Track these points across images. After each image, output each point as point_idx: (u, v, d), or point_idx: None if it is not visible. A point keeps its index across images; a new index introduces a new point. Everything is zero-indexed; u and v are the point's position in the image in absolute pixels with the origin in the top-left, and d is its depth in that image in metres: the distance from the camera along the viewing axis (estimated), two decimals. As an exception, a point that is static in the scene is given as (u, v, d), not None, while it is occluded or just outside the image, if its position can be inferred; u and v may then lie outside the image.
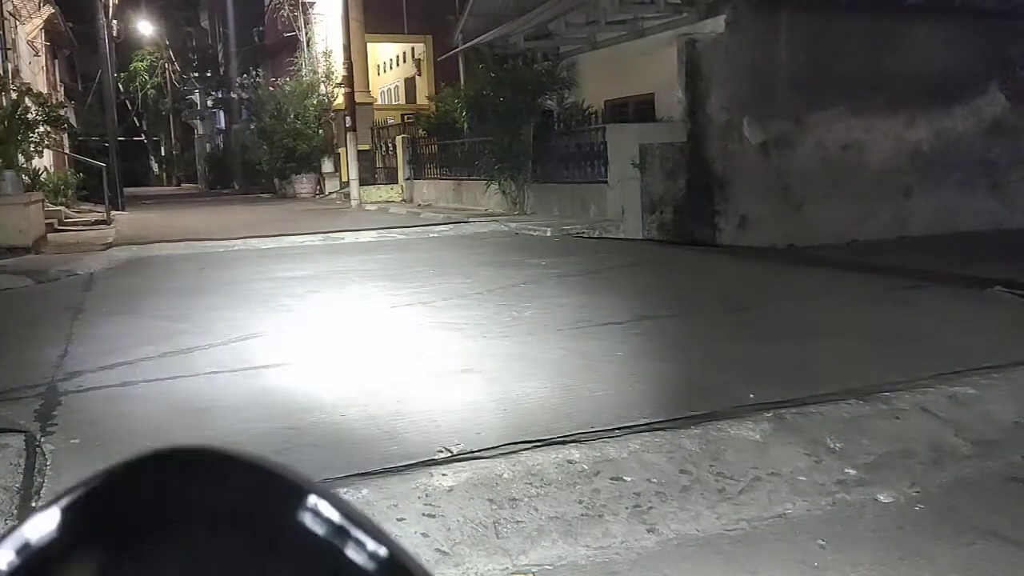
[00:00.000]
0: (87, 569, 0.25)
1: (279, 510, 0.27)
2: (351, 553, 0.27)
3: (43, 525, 0.26)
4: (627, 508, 1.97)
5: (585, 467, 2.11)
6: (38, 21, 15.10)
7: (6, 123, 8.72)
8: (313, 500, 0.27)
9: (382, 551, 0.27)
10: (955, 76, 9.33)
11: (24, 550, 0.25)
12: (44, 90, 12.64)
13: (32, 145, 9.37)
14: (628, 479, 2.07)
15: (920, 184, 9.29)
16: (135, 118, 37.31)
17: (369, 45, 18.31)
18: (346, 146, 14.24)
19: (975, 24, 9.35)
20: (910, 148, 9.28)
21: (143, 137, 39.90)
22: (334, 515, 0.27)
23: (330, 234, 8.14)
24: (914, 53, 9.13)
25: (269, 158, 18.62)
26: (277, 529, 0.27)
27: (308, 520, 0.27)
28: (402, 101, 21.12)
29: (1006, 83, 9.62)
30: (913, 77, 9.10)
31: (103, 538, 0.26)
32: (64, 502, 0.26)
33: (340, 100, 16.27)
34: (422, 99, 17.54)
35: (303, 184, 18.26)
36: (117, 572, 0.25)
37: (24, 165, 9.58)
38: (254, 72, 22.03)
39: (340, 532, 0.27)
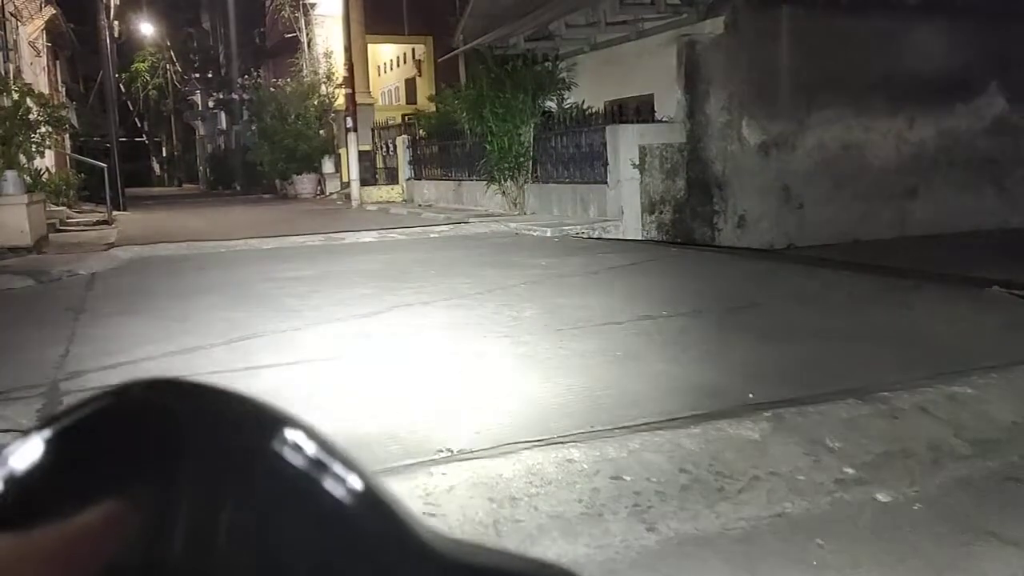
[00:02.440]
0: (64, 500, 0.26)
1: (254, 441, 0.27)
2: (327, 484, 0.27)
3: (22, 455, 0.26)
4: (627, 507, 1.98)
5: (585, 466, 2.11)
6: (39, 22, 15.12)
7: (8, 124, 8.73)
8: (289, 431, 0.27)
9: (357, 482, 0.27)
10: (956, 76, 9.33)
11: (5, 479, 0.26)
12: (46, 91, 12.66)
13: (34, 146, 9.39)
14: (628, 478, 2.08)
15: (921, 184, 9.30)
16: (136, 119, 37.37)
17: (370, 46, 18.34)
18: (347, 147, 14.25)
19: (976, 23, 9.35)
20: (911, 148, 9.28)
21: (144, 138, 39.95)
22: (310, 446, 0.27)
23: (331, 235, 8.15)
24: (915, 53, 9.14)
25: (270, 159, 18.64)
26: (252, 460, 0.27)
27: (284, 451, 0.27)
28: (403, 102, 21.15)
29: (1008, 82, 9.62)
30: (914, 77, 9.11)
31: (77, 470, 0.26)
32: (43, 434, 0.27)
33: (341, 101, 16.30)
34: (423, 100, 17.55)
35: (304, 185, 18.28)
36: (98, 494, 0.26)
37: (26, 166, 9.60)
38: (255, 73, 22.06)
39: (316, 464, 0.27)
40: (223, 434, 0.27)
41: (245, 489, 0.27)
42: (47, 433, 0.27)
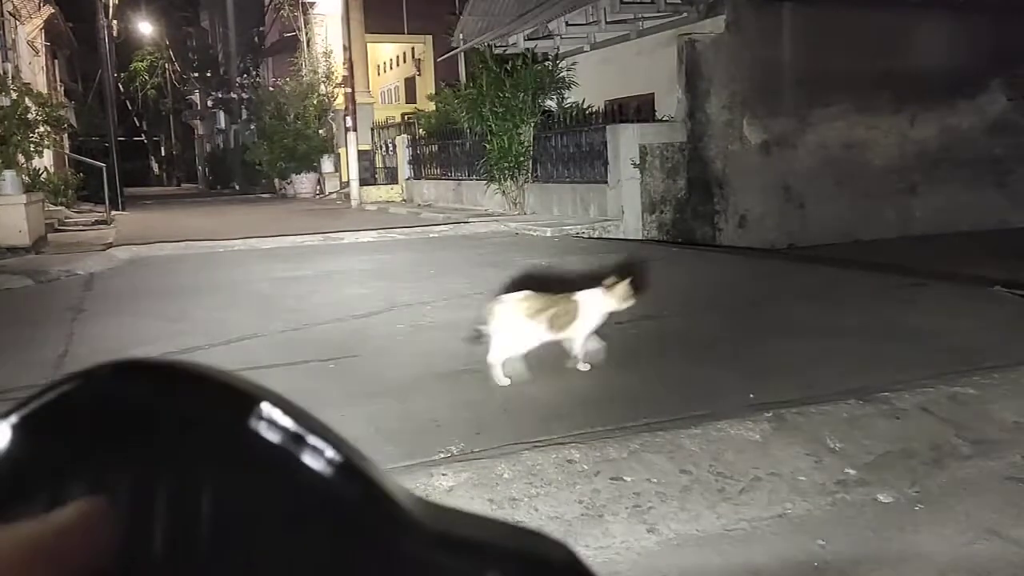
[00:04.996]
0: (43, 480, 0.25)
1: (233, 417, 0.27)
2: (306, 457, 0.27)
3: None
4: (627, 508, 1.97)
5: (585, 467, 2.11)
6: (38, 21, 15.10)
7: (6, 123, 8.72)
8: (267, 407, 0.27)
9: (337, 455, 0.27)
10: (959, 74, 9.32)
11: None
12: (44, 90, 12.64)
13: (32, 145, 9.37)
14: (628, 479, 2.07)
15: (923, 183, 9.29)
16: (135, 118, 37.35)
17: (369, 45, 18.32)
18: (346, 146, 14.24)
19: (978, 21, 9.34)
20: (913, 146, 9.28)
21: (143, 137, 39.93)
22: (288, 422, 0.27)
23: (330, 234, 8.14)
24: (917, 50, 9.13)
25: (269, 158, 18.63)
26: (228, 437, 0.26)
27: (262, 427, 0.27)
28: (402, 101, 21.14)
29: (1010, 81, 9.61)
30: (915, 75, 9.10)
31: (59, 449, 0.26)
32: (20, 412, 0.26)
33: (340, 100, 16.29)
34: (422, 99, 17.54)
35: (303, 184, 18.27)
36: (71, 482, 0.25)
37: (24, 165, 9.59)
38: (254, 72, 22.05)
39: (294, 437, 0.27)
40: (196, 412, 0.27)
41: (222, 467, 0.26)
42: (12, 420, 0.26)
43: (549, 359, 3.21)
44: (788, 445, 2.27)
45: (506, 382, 2.82)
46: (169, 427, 0.26)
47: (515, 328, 2.81)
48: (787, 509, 2.02)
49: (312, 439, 0.27)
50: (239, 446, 0.26)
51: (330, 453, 0.27)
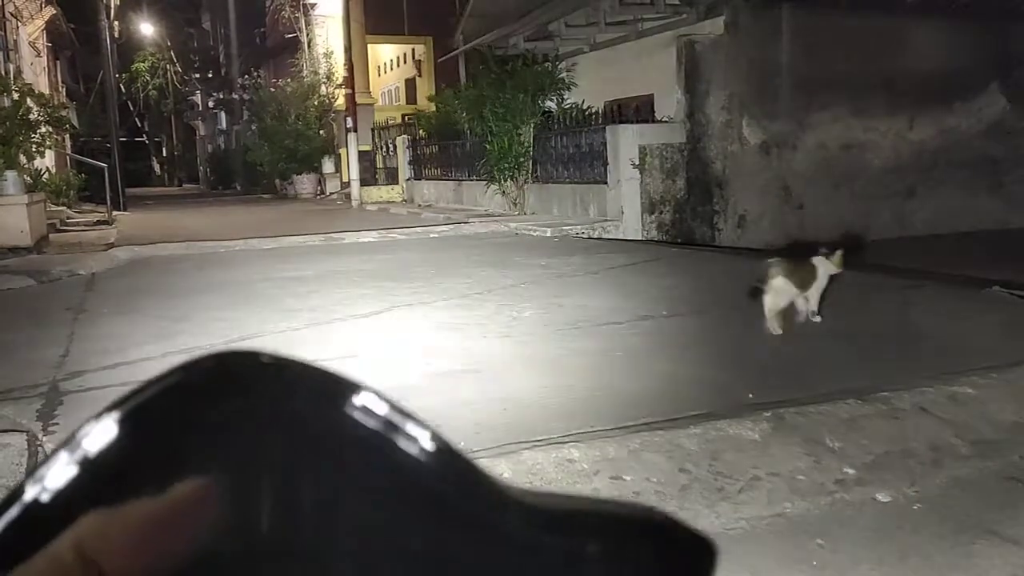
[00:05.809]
0: (147, 478, 0.26)
1: (333, 405, 0.28)
2: (403, 444, 0.27)
3: (99, 436, 0.26)
4: (626, 507, 1.98)
5: (585, 466, 2.11)
6: (40, 22, 15.12)
7: (8, 124, 8.74)
8: (364, 396, 0.28)
9: (432, 442, 0.28)
10: (956, 76, 9.34)
11: (87, 460, 0.26)
12: (46, 91, 12.65)
13: (34, 146, 9.38)
14: (627, 478, 2.08)
15: (921, 184, 9.30)
16: (137, 119, 37.35)
17: (370, 46, 18.34)
18: (347, 147, 14.25)
19: (976, 24, 9.35)
20: (911, 148, 9.29)
21: (145, 138, 39.94)
22: (385, 409, 0.28)
23: (331, 235, 8.15)
24: (915, 53, 9.14)
25: (270, 159, 18.64)
26: (330, 427, 0.27)
27: (359, 415, 0.27)
28: (403, 102, 21.14)
29: (1007, 83, 9.62)
30: (914, 77, 9.11)
31: (164, 439, 0.27)
32: (118, 414, 0.27)
33: (341, 101, 16.30)
34: (423, 100, 17.53)
35: (304, 185, 18.28)
36: (178, 469, 0.26)
37: (26, 166, 9.60)
38: (255, 73, 22.06)
39: (391, 426, 0.28)
40: (298, 403, 0.28)
41: (326, 457, 0.27)
42: (122, 412, 0.27)
43: (549, 359, 3.22)
44: (787, 445, 2.28)
45: (779, 331, 3.38)
46: (271, 415, 0.27)
47: (782, 286, 3.40)
48: (786, 509, 2.03)
49: (408, 426, 0.28)
50: (340, 433, 0.27)
51: (425, 439, 0.28)
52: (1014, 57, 9.45)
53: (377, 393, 0.28)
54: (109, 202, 11.99)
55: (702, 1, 8.82)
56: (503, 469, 2.08)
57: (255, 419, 0.27)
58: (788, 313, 3.48)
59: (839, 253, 3.48)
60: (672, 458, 2.17)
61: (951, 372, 2.79)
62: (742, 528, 1.94)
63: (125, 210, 13.52)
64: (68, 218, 11.20)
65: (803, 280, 3.47)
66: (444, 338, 3.65)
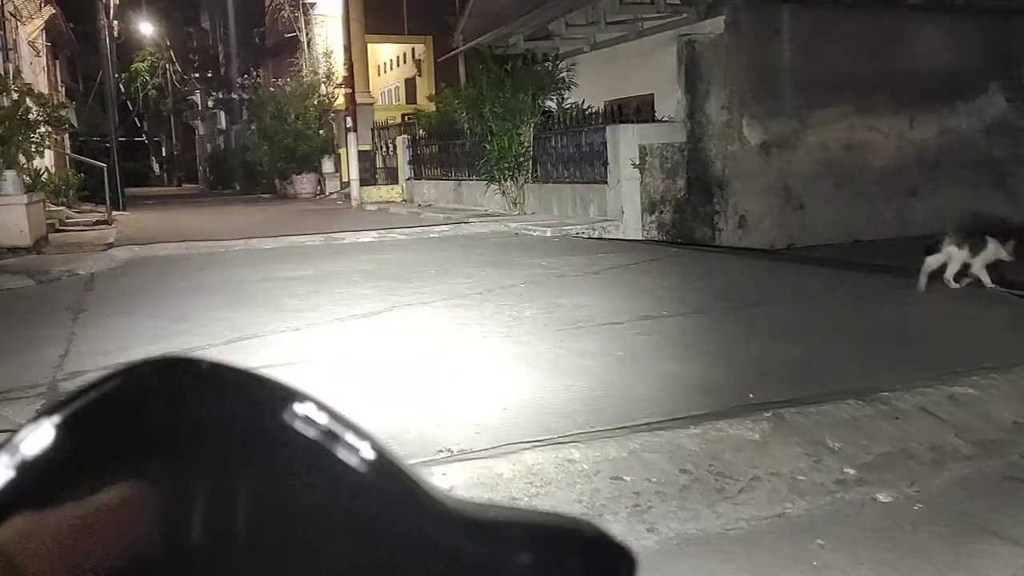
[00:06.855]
0: (79, 482, 0.26)
1: (271, 414, 0.27)
2: (342, 454, 0.27)
3: (39, 437, 0.26)
4: (627, 507, 1.98)
5: (585, 466, 2.11)
6: (39, 21, 15.11)
7: (7, 124, 8.73)
8: (304, 406, 0.28)
9: (370, 450, 0.28)
10: (958, 75, 9.33)
11: (19, 463, 0.26)
12: (45, 91, 12.65)
13: (33, 146, 9.37)
14: (628, 478, 2.07)
15: (922, 184, 9.30)
16: (136, 119, 37.34)
17: (369, 46, 18.33)
18: (347, 146, 14.24)
19: (977, 23, 9.35)
20: (912, 148, 9.28)
21: (144, 138, 39.93)
22: (321, 417, 0.28)
23: (330, 235, 8.15)
24: (916, 52, 9.13)
25: (270, 158, 18.63)
26: (265, 434, 0.27)
27: (296, 424, 0.27)
28: (402, 101, 21.13)
29: (1008, 82, 9.61)
30: (915, 76, 9.10)
31: (100, 443, 0.27)
32: (53, 418, 0.27)
33: (341, 100, 16.28)
34: (422, 99, 17.53)
35: (304, 184, 18.27)
36: (112, 473, 0.26)
37: (25, 165, 9.59)
38: (255, 72, 22.06)
39: (329, 434, 0.27)
40: (235, 410, 0.27)
41: (261, 463, 0.27)
42: (57, 417, 0.27)
43: (549, 359, 3.22)
44: (787, 445, 2.27)
45: (924, 289, 4.28)
46: (208, 422, 0.27)
47: (954, 251, 4.25)
48: (786, 509, 2.02)
49: (347, 436, 0.28)
50: (277, 442, 0.27)
51: (364, 449, 0.28)
52: (1016, 56, 9.44)
53: (318, 403, 0.28)
54: (108, 202, 11.99)
55: (702, 0, 8.82)
56: (503, 469, 2.08)
57: (190, 427, 0.27)
58: (937, 275, 4.29)
59: (1012, 243, 4.16)
60: (672, 458, 2.16)
61: (952, 372, 2.79)
62: (742, 528, 1.94)
63: (124, 210, 13.51)
64: (67, 218, 11.19)
65: (974, 249, 4.25)
66: (444, 338, 3.64)
